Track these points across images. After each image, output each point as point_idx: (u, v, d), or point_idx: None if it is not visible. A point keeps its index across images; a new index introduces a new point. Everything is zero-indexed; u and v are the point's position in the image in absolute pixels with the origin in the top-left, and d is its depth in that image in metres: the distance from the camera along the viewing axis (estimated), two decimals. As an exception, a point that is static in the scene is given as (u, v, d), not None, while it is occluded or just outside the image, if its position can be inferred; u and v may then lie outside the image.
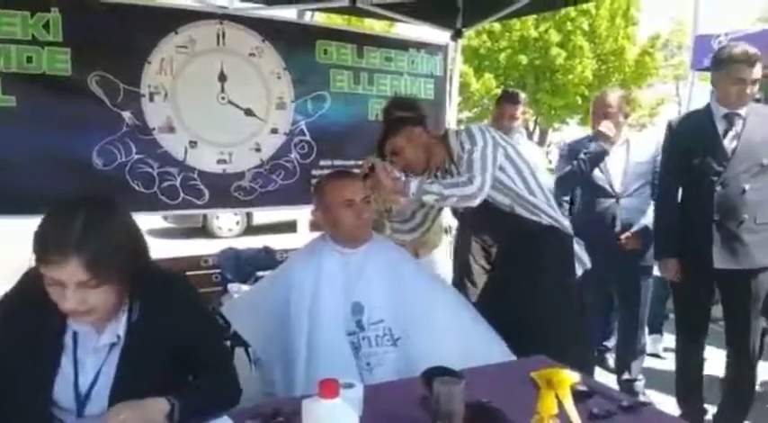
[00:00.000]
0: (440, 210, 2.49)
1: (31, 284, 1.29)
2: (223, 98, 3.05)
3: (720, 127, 2.47)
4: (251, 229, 8.14)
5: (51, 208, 1.21)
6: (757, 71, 2.41)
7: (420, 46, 3.69)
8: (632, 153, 3.07)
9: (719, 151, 2.45)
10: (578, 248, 2.37)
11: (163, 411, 1.21)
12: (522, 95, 3.51)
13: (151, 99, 2.87)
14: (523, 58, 15.59)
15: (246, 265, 3.39)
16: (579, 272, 2.38)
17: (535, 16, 14.23)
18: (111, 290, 1.22)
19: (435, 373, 1.33)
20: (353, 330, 1.82)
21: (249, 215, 8.35)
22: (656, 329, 3.90)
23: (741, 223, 2.45)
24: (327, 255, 1.89)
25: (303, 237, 5.43)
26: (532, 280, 2.19)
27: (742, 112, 2.46)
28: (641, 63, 16.01)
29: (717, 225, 2.47)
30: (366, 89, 3.47)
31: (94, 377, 1.29)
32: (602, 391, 1.44)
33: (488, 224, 2.35)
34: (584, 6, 14.53)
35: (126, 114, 2.81)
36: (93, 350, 1.30)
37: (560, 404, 1.02)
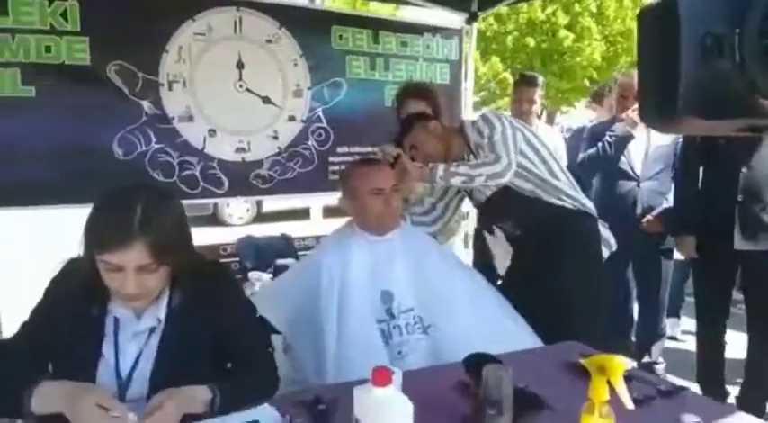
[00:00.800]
0: (460, 200, 2.49)
1: (73, 273, 1.31)
2: (241, 86, 3.04)
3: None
4: (261, 217, 8.15)
5: (104, 197, 1.24)
6: None
7: (435, 30, 3.65)
8: (654, 136, 3.04)
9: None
10: (603, 230, 2.36)
11: (204, 400, 1.22)
12: (540, 79, 3.48)
13: (170, 88, 2.86)
14: (531, 41, 15.40)
15: (265, 254, 3.41)
16: (606, 254, 2.37)
17: (547, -1, 14.12)
18: (165, 273, 1.25)
19: (476, 360, 1.33)
20: (383, 318, 1.82)
21: (259, 203, 8.30)
22: (674, 313, 3.90)
23: (765, 206, 2.44)
24: (355, 243, 1.89)
25: (317, 224, 5.46)
26: (560, 264, 2.19)
27: (768, 93, 2.43)
28: (650, 44, 15.82)
29: (740, 206, 2.45)
30: (382, 75, 3.44)
31: (135, 361, 1.31)
32: (638, 375, 1.44)
33: (511, 211, 2.34)
34: (592, -13, 14.35)
35: (145, 103, 2.80)
36: (133, 335, 1.32)
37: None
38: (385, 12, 8.86)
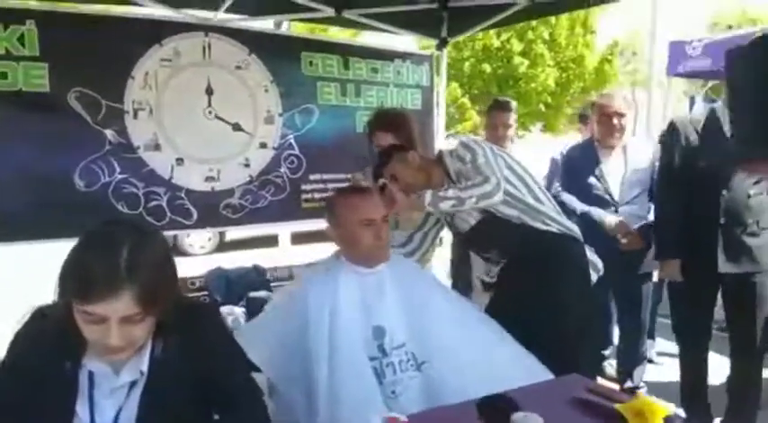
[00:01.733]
0: (438, 231, 2.44)
1: (41, 324, 1.18)
2: (210, 112, 2.93)
3: (728, 132, 2.47)
4: (225, 246, 7.89)
5: (86, 239, 1.10)
6: None
7: (405, 56, 3.64)
8: (630, 160, 3.05)
9: (727, 157, 2.45)
10: (590, 254, 2.34)
11: None
12: (513, 103, 3.49)
13: (135, 115, 2.74)
14: (487, 67, 15.75)
15: (236, 286, 3.27)
16: (594, 277, 2.34)
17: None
18: (152, 322, 1.13)
19: (489, 401, 1.25)
20: (376, 355, 1.73)
21: (222, 230, 8.10)
22: (650, 335, 3.91)
23: (746, 228, 2.46)
24: (344, 275, 1.80)
25: (286, 251, 5.30)
26: (551, 290, 2.14)
27: (748, 117, 2.47)
28: (601, 70, 16.36)
29: (722, 229, 2.46)
30: (353, 101, 3.39)
31: (114, 420, 1.18)
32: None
33: (495, 240, 2.29)
34: (544, 15, 14.79)
35: (109, 132, 2.67)
36: (110, 391, 1.19)
37: None
38: (344, 37, 8.89)
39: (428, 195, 2.00)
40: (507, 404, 1.22)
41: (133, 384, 1.20)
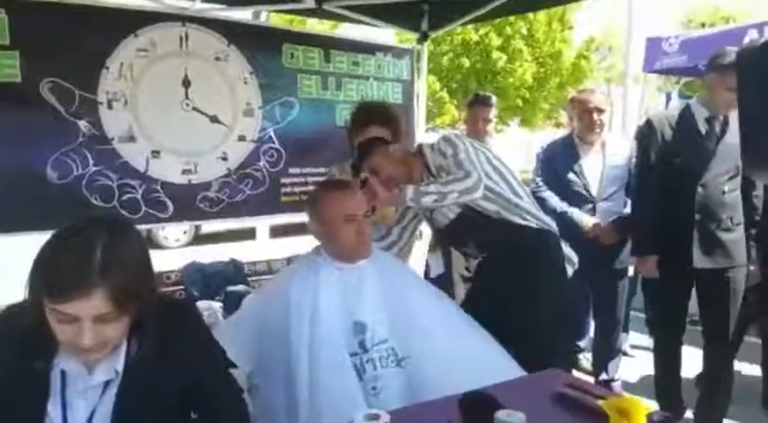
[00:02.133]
0: (417, 224, 2.44)
1: (12, 323, 1.15)
2: (187, 105, 2.87)
3: (702, 129, 2.51)
4: (200, 239, 7.80)
5: (59, 235, 1.07)
6: None
7: (387, 50, 3.62)
8: (608, 156, 3.09)
9: (702, 153, 2.49)
10: (566, 248, 2.37)
11: None
12: (494, 98, 3.50)
13: (109, 106, 2.67)
14: (465, 62, 15.77)
15: (214, 281, 3.23)
16: (570, 271, 2.38)
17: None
18: (126, 321, 1.10)
19: (472, 399, 1.25)
20: (356, 351, 1.72)
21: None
22: (624, 328, 3.97)
23: (720, 223, 2.50)
24: (324, 270, 1.79)
25: (264, 245, 5.24)
26: (530, 284, 2.16)
27: (722, 115, 2.51)
28: (578, 66, 16.51)
29: (697, 225, 2.50)
30: (334, 94, 3.36)
31: (87, 421, 1.15)
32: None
33: (473, 234, 2.30)
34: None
35: (82, 123, 2.60)
36: (83, 390, 1.16)
37: None
38: (322, 30, 8.82)
39: (410, 190, 1.98)
40: (489, 401, 1.22)
41: (108, 384, 1.17)
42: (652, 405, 0.90)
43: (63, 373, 1.15)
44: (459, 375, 1.63)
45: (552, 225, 2.30)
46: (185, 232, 8.02)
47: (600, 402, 1.06)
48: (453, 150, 2.09)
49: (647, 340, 3.93)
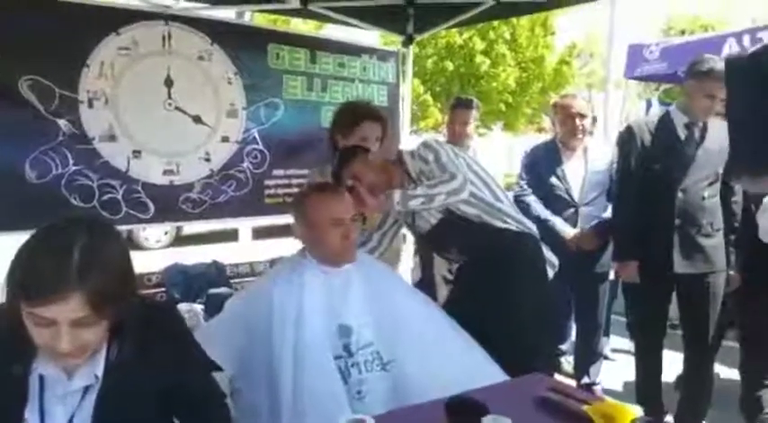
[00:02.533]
0: (397, 230, 2.44)
1: None
2: (170, 104, 2.84)
3: (682, 135, 2.54)
4: (182, 240, 7.71)
5: (36, 237, 1.04)
6: None
7: (372, 52, 3.61)
8: (590, 162, 3.12)
9: (682, 159, 2.52)
10: (546, 250, 2.39)
11: None
12: (476, 102, 3.51)
13: (90, 105, 2.63)
14: (449, 65, 15.83)
15: (195, 283, 3.19)
16: (550, 273, 2.39)
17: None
18: (105, 325, 1.07)
19: (457, 402, 1.25)
20: (340, 354, 1.71)
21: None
22: (604, 332, 4.00)
23: (700, 229, 2.53)
24: (309, 274, 1.77)
25: (246, 246, 5.18)
26: (512, 287, 2.16)
27: (701, 122, 2.54)
28: (560, 71, 16.66)
29: (678, 230, 2.53)
30: (319, 96, 3.35)
31: None
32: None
33: (455, 239, 2.30)
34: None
35: (62, 122, 2.56)
36: (62, 396, 1.13)
37: None
38: (306, 30, 8.78)
39: (397, 195, 1.99)
40: (475, 405, 1.21)
41: (87, 389, 1.14)
42: (636, 410, 0.91)
43: (41, 378, 1.12)
44: (444, 379, 1.63)
45: (533, 228, 2.32)
46: (166, 233, 7.93)
47: (585, 408, 1.06)
48: (435, 155, 2.10)
49: (628, 344, 3.97)
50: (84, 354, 1.08)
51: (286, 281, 1.76)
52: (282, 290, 1.72)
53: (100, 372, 1.13)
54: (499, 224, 2.22)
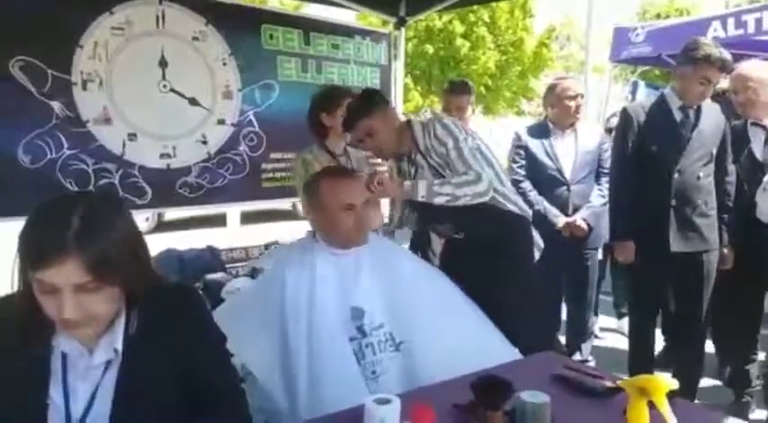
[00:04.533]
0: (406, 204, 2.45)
1: (4, 310, 1.11)
2: (165, 86, 2.78)
3: (677, 117, 2.58)
4: (164, 226, 7.59)
5: (41, 207, 1.05)
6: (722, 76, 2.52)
7: (365, 33, 3.58)
8: (580, 142, 3.17)
9: (677, 140, 2.56)
10: (534, 233, 2.46)
11: None
12: (470, 85, 3.51)
13: (84, 87, 2.57)
14: (429, 48, 15.78)
15: (191, 268, 3.16)
16: (537, 255, 2.46)
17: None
18: (111, 294, 1.07)
19: (483, 381, 1.26)
20: (355, 336, 1.71)
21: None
22: (594, 311, 4.08)
23: (696, 208, 2.58)
24: (320, 257, 1.77)
25: (234, 232, 5.12)
26: (502, 268, 2.22)
27: (695, 105, 2.58)
28: (539, 55, 16.73)
29: (674, 210, 2.58)
30: (314, 78, 3.32)
31: (88, 403, 1.12)
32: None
33: (452, 215, 2.32)
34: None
35: (55, 105, 2.50)
36: (84, 372, 1.12)
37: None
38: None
39: (422, 188, 2.01)
40: (502, 383, 1.23)
41: (108, 365, 1.13)
42: (671, 382, 0.93)
43: (63, 356, 1.12)
44: (457, 358, 1.64)
45: (528, 211, 2.38)
46: (148, 219, 7.78)
47: (619, 382, 1.09)
48: (454, 142, 2.11)
49: (615, 322, 4.06)
50: (92, 324, 1.08)
51: (297, 265, 1.75)
52: (294, 273, 1.72)
53: (119, 346, 1.13)
54: (501, 207, 2.25)
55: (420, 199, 2.03)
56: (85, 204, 1.05)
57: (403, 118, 2.37)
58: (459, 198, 2.03)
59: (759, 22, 4.24)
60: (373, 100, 2.17)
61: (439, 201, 2.03)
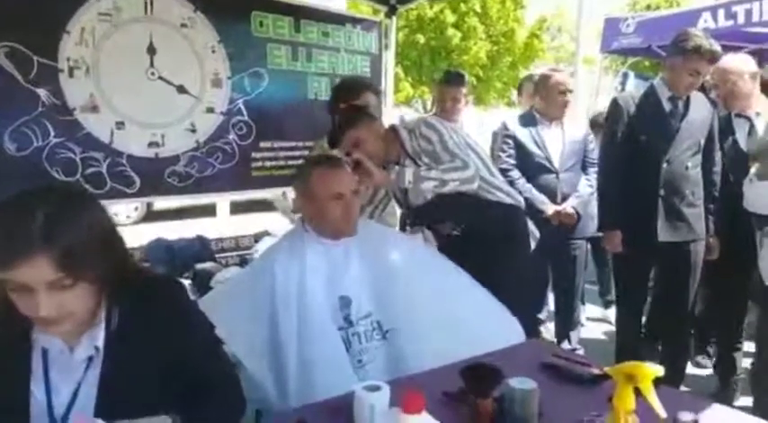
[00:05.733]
0: (387, 203, 2.47)
1: None
2: (153, 73, 2.75)
3: (667, 107, 2.59)
4: (153, 216, 7.54)
5: (3, 202, 1.02)
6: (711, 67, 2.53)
7: (356, 21, 3.56)
8: (567, 132, 3.19)
9: (666, 130, 2.57)
10: (529, 223, 2.50)
11: None
12: (465, 77, 3.50)
13: (71, 74, 2.53)
14: (420, 38, 15.71)
15: (180, 258, 3.15)
16: (533, 245, 2.51)
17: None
18: (87, 290, 1.05)
19: (473, 369, 1.27)
20: (342, 325, 1.72)
21: (149, 200, 7.69)
22: (580, 300, 4.11)
23: (684, 198, 2.60)
24: (310, 247, 1.76)
25: (224, 221, 5.10)
26: (500, 258, 2.24)
27: (684, 96, 2.59)
28: (530, 45, 16.71)
29: (662, 200, 2.60)
30: (305, 66, 3.29)
31: (71, 400, 1.11)
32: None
33: (449, 213, 2.33)
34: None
35: (42, 92, 2.46)
36: (66, 368, 1.11)
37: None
38: None
39: (409, 173, 2.03)
40: (491, 371, 1.24)
41: (90, 361, 1.12)
42: (657, 368, 0.94)
43: (44, 352, 1.10)
44: (449, 344, 1.66)
45: (521, 200, 2.40)
46: (137, 209, 7.73)
47: (607, 369, 1.10)
48: (439, 137, 2.13)
49: (601, 311, 4.10)
50: (69, 320, 1.05)
51: (287, 254, 1.75)
52: (284, 263, 1.72)
53: (100, 343, 1.11)
54: (493, 198, 2.27)
55: (407, 185, 2.05)
56: (47, 199, 1.02)
57: (394, 116, 2.40)
58: (446, 183, 2.05)
59: (749, 13, 4.25)
60: (358, 112, 2.21)
61: (426, 186, 2.05)
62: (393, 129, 2.25)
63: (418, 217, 2.68)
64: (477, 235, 2.30)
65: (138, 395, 1.12)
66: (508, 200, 2.33)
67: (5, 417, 1.07)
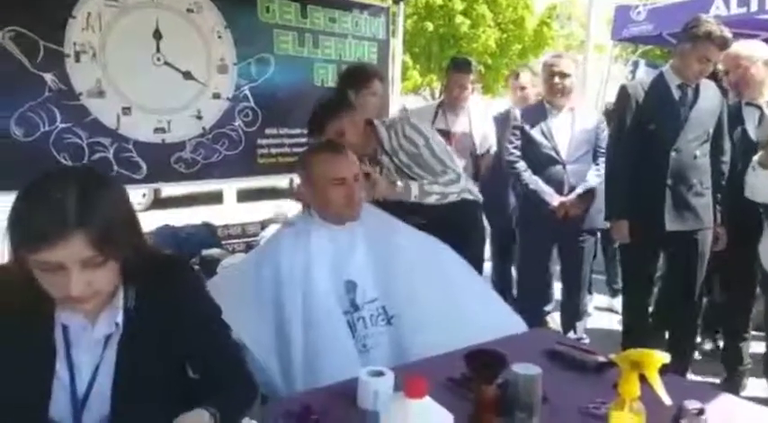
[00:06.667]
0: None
1: (4, 282, 1.09)
2: (159, 59, 2.75)
3: (676, 95, 2.56)
4: (160, 203, 7.56)
5: (30, 187, 1.02)
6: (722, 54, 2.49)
7: (363, 7, 3.52)
8: (578, 121, 3.14)
9: (675, 119, 2.55)
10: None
11: None
12: (473, 64, 3.46)
13: (77, 59, 2.53)
14: (429, 25, 15.60)
15: (187, 244, 3.16)
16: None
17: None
18: (113, 268, 1.07)
19: (477, 354, 1.26)
20: (348, 309, 1.72)
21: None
22: (588, 290, 4.10)
23: (691, 187, 2.58)
24: (315, 232, 1.76)
25: (231, 209, 5.10)
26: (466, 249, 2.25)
27: (693, 84, 2.56)
28: (539, 33, 16.55)
29: (670, 189, 2.57)
30: (311, 52, 3.27)
31: (91, 378, 1.12)
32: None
33: (420, 206, 2.35)
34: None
35: (48, 77, 2.46)
36: (86, 346, 1.12)
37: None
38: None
39: (415, 188, 2.15)
40: (495, 356, 1.23)
41: (109, 339, 1.13)
42: (664, 356, 0.93)
43: (65, 329, 1.11)
44: (452, 331, 1.66)
45: (479, 195, 2.48)
46: (144, 196, 7.74)
47: (612, 356, 1.09)
48: (425, 140, 2.22)
49: (608, 301, 4.08)
50: (96, 298, 1.07)
51: (293, 239, 1.75)
52: (289, 248, 1.72)
53: (120, 319, 1.13)
54: (454, 197, 2.31)
55: (413, 199, 2.15)
56: (77, 179, 1.03)
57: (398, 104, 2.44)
58: (447, 196, 2.21)
59: (762, 0, 4.18)
60: (341, 102, 2.27)
61: (430, 200, 2.19)
62: (370, 123, 2.29)
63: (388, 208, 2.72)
64: (437, 226, 2.32)
65: (154, 374, 1.14)
66: (468, 195, 2.40)
67: (30, 399, 1.07)
